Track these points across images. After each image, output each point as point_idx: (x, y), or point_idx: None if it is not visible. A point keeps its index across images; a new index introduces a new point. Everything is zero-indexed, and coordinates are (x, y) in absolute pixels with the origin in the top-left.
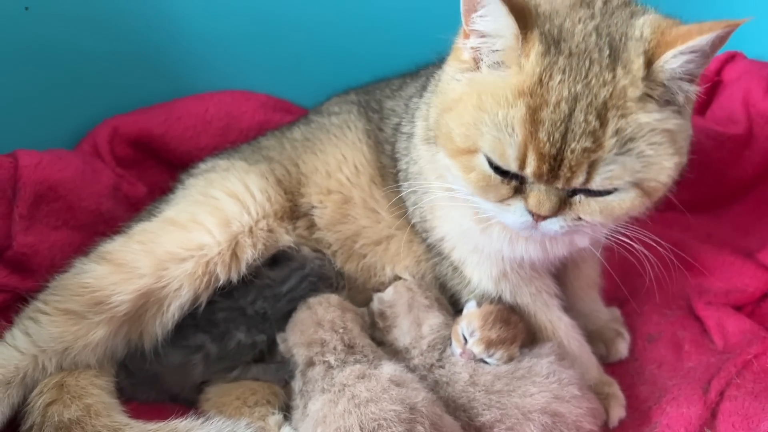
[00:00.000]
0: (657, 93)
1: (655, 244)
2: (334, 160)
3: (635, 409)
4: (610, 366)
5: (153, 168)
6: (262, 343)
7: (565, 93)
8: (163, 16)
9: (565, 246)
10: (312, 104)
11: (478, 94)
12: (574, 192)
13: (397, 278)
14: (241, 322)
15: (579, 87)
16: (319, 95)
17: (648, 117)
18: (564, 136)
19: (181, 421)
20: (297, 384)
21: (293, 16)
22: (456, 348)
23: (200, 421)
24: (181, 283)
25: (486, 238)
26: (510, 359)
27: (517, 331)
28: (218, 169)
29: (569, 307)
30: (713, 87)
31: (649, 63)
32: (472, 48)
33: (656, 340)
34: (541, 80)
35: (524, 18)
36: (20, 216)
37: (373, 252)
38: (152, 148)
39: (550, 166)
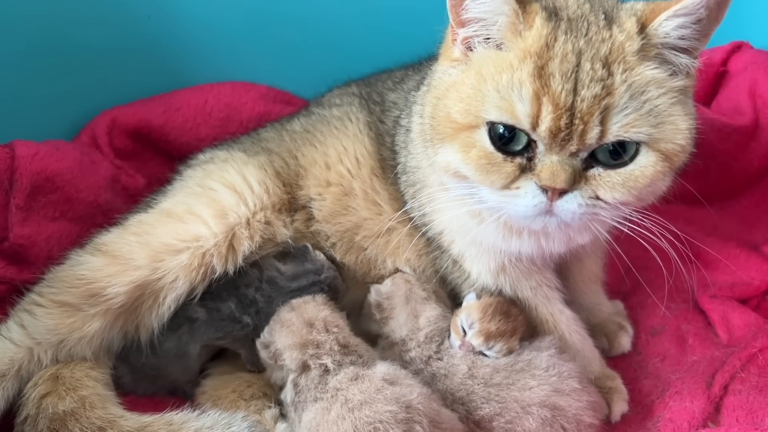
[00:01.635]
0: (654, 53)
1: (671, 236)
2: (334, 151)
3: (638, 403)
4: (613, 360)
5: (152, 159)
6: (247, 326)
7: (570, 47)
8: (162, 7)
9: (561, 243)
10: (312, 95)
11: (476, 70)
12: (589, 164)
13: (397, 271)
14: (233, 294)
15: (582, 42)
16: (319, 86)
17: (652, 72)
18: (574, 87)
19: (177, 414)
20: (288, 395)
21: (294, 7)
22: (455, 340)
23: (196, 413)
24: (177, 275)
25: (481, 232)
26: (509, 352)
27: (517, 323)
28: (216, 161)
29: (571, 301)
30: (719, 78)
31: (642, 27)
32: (464, 38)
33: (660, 333)
34: (546, 43)
35: None
36: (17, 207)
37: (374, 244)
38: (151, 139)
39: (567, 121)
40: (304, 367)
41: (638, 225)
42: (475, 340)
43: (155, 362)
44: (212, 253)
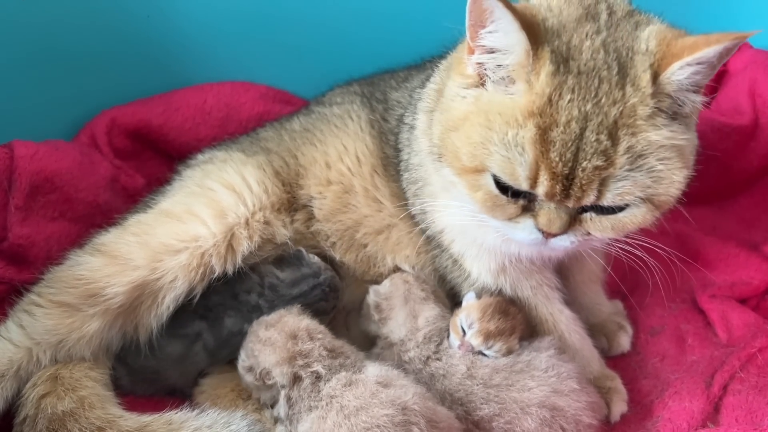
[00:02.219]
0: (665, 105)
1: (656, 249)
2: (334, 150)
3: (637, 403)
4: (612, 359)
5: (151, 159)
6: None
7: (575, 113)
8: (161, 7)
9: (560, 251)
10: (312, 95)
11: (485, 113)
12: (584, 209)
13: (396, 269)
14: (231, 307)
15: (589, 106)
16: (319, 86)
17: (658, 134)
18: (575, 156)
19: (176, 413)
20: (281, 410)
21: (293, 6)
22: (454, 340)
23: (195, 412)
24: (176, 275)
25: (482, 235)
26: (509, 352)
27: (516, 323)
28: (216, 161)
29: (571, 300)
30: (718, 77)
31: (655, 75)
32: (477, 63)
33: (659, 333)
34: (551, 100)
35: (534, 33)
36: (16, 207)
37: (374, 241)
38: (151, 139)
39: (563, 186)
40: (296, 379)
41: (626, 243)
42: (475, 340)
43: (154, 365)
44: (211, 253)
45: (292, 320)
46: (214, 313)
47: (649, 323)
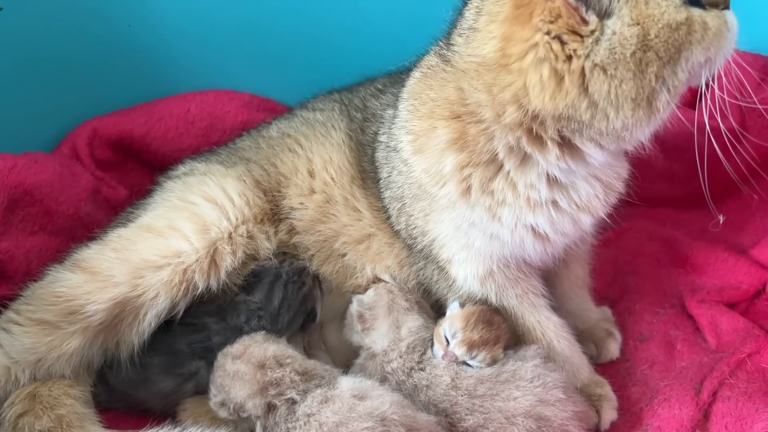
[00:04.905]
0: None
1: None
2: (320, 159)
3: (626, 411)
4: (601, 366)
5: (134, 170)
6: None
7: None
8: (143, 15)
9: (570, 223)
10: (297, 102)
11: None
12: None
13: (375, 280)
14: (224, 335)
15: None
16: (303, 93)
17: None
18: None
19: (158, 431)
20: None
21: (276, 14)
22: (438, 350)
23: (177, 430)
24: (158, 292)
25: (472, 237)
26: (493, 361)
27: (500, 332)
28: (196, 173)
29: (558, 307)
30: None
31: None
32: (602, 2)
33: (648, 339)
34: None
35: None
36: None
37: (354, 251)
38: (133, 150)
39: None
40: (270, 408)
41: None
42: (458, 350)
43: (142, 396)
44: (194, 269)
45: (258, 349)
46: (215, 352)
47: (638, 329)
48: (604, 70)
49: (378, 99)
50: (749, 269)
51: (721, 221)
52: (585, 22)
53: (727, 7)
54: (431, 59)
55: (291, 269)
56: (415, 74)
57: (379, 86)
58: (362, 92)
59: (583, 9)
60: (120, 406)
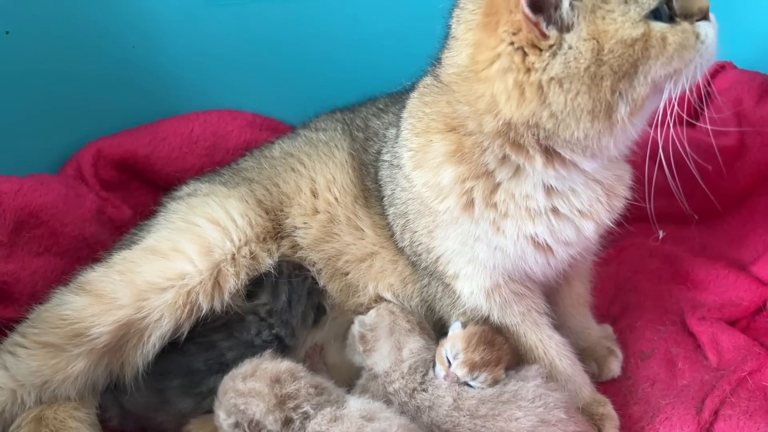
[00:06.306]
0: None
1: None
2: (323, 179)
3: (628, 430)
4: (603, 384)
5: (138, 190)
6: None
7: None
8: (147, 37)
9: (572, 230)
10: (299, 121)
11: (601, 4)
12: None
13: (378, 298)
14: (250, 355)
15: None
16: (305, 112)
17: None
18: None
19: None
20: None
21: (278, 34)
22: (440, 371)
23: None
24: (162, 314)
25: (499, 238)
26: (495, 382)
27: (502, 352)
28: (199, 194)
29: (560, 325)
30: (704, 97)
31: None
32: (551, 15)
33: (649, 357)
34: None
35: None
36: (0, 243)
37: (357, 269)
38: (137, 169)
39: None
40: (287, 422)
41: None
42: (460, 371)
43: (161, 416)
44: (198, 291)
45: (271, 365)
46: (232, 367)
47: (639, 347)
48: (561, 84)
49: (379, 119)
50: (750, 286)
51: (660, 236)
52: (545, 36)
53: (704, 18)
54: (427, 79)
55: (289, 266)
56: (414, 94)
57: (381, 106)
58: (364, 112)
59: (544, 24)
60: (132, 427)
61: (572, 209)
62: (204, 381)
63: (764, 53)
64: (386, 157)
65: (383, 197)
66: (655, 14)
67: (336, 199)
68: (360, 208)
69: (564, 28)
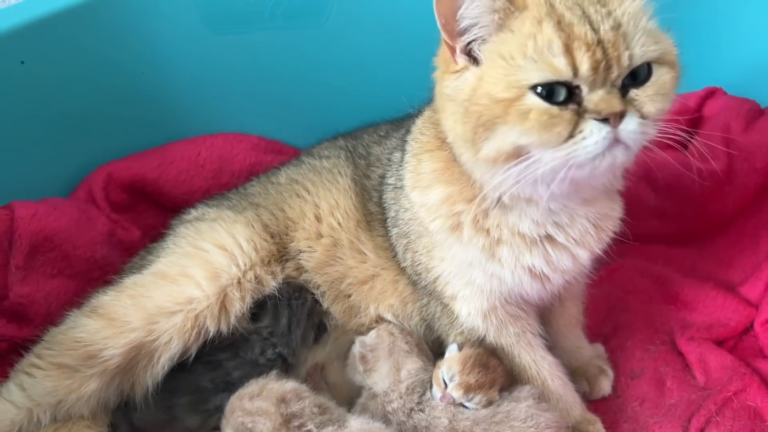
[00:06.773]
0: None
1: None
2: (326, 204)
3: None
4: (593, 403)
5: (147, 211)
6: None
7: (570, 1)
8: (154, 65)
9: (569, 259)
10: (304, 145)
11: (495, 57)
12: (625, 87)
13: (379, 318)
14: (255, 374)
15: None
16: (310, 135)
17: (636, 2)
18: (591, 26)
19: None
20: None
21: (282, 60)
22: (437, 392)
23: None
24: (171, 336)
25: (494, 265)
26: (489, 403)
27: (496, 375)
28: (207, 218)
29: (552, 345)
30: (694, 123)
31: None
32: (464, 47)
33: (639, 376)
34: (550, 4)
35: None
36: (16, 267)
37: (359, 291)
38: (147, 192)
39: (601, 54)
40: None
41: None
42: (455, 393)
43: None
44: (205, 315)
45: (276, 385)
46: (238, 386)
47: (629, 366)
48: (451, 103)
49: (381, 145)
50: (737, 306)
51: None
52: (455, 61)
53: (605, 120)
54: (427, 107)
55: (290, 288)
56: (417, 121)
57: (382, 133)
58: (366, 139)
59: (458, 51)
60: None
61: (568, 238)
62: (211, 399)
63: (754, 78)
64: (390, 180)
65: (387, 219)
66: (548, 91)
67: (339, 223)
68: (362, 232)
69: (473, 61)
